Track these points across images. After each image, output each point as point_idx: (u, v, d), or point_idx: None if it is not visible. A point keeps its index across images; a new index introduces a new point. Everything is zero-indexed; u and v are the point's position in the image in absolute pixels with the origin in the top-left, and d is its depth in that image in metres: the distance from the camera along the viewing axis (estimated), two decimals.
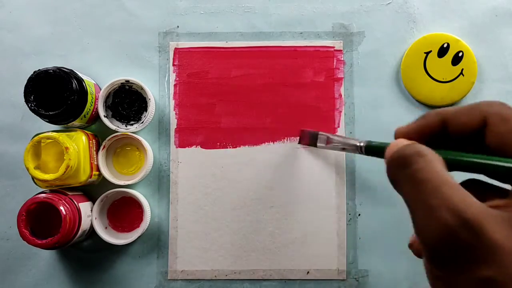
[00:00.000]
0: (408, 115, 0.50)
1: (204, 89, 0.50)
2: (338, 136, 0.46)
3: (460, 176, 0.23)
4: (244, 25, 0.51)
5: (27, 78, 0.43)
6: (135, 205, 0.49)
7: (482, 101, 0.22)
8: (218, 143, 0.50)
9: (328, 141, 0.46)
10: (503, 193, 0.21)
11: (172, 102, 0.50)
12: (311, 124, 0.50)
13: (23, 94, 0.43)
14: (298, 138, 0.50)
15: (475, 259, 0.18)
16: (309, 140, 0.48)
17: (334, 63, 0.50)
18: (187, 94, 0.50)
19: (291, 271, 0.49)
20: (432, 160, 0.20)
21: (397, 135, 0.24)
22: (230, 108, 0.50)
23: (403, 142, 0.23)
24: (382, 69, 0.51)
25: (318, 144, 0.47)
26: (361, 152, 0.36)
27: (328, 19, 0.51)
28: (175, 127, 0.50)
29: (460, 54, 0.49)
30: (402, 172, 0.21)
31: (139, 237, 0.47)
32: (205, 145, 0.50)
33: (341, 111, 0.50)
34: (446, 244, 0.18)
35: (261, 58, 0.51)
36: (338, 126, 0.50)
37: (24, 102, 0.43)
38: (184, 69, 0.51)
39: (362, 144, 0.36)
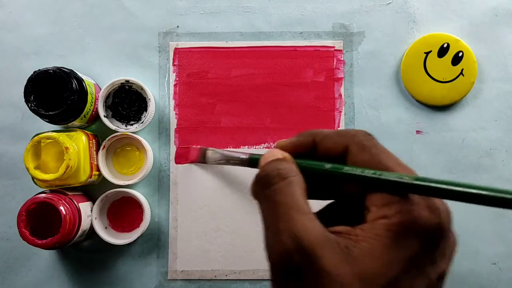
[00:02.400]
0: (408, 115, 0.50)
1: (204, 89, 0.50)
2: (225, 150, 0.46)
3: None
4: (244, 25, 0.51)
5: (27, 78, 0.43)
6: (135, 205, 0.49)
7: (350, 129, 0.24)
8: (218, 143, 0.50)
9: (216, 156, 0.46)
10: (358, 218, 0.22)
11: (172, 102, 0.50)
12: (311, 124, 0.50)
13: (23, 94, 0.43)
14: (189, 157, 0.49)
15: (306, 282, 0.19)
16: (198, 157, 0.48)
17: (334, 63, 0.50)
18: (187, 94, 0.50)
19: None
20: (291, 184, 0.21)
21: (276, 146, 0.26)
22: (230, 108, 0.50)
23: (276, 153, 0.24)
24: (382, 69, 0.51)
25: (208, 160, 0.47)
26: (246, 165, 0.36)
27: (328, 19, 0.51)
28: (175, 127, 0.50)
29: (460, 54, 0.49)
30: (261, 190, 0.22)
31: (139, 237, 0.47)
32: (205, 145, 0.50)
33: (341, 111, 0.50)
34: (284, 266, 0.20)
35: (261, 58, 0.51)
36: (338, 126, 0.50)
37: (24, 102, 0.43)
38: (184, 69, 0.51)
39: (246, 157, 0.36)
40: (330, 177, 0.23)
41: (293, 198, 0.21)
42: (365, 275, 0.18)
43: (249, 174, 0.49)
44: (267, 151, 0.25)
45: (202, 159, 0.48)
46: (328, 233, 0.20)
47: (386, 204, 0.20)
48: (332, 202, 0.26)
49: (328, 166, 0.23)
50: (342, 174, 0.22)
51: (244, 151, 0.38)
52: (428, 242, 0.20)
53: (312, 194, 0.23)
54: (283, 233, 0.20)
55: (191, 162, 0.50)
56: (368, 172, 0.21)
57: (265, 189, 0.22)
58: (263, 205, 0.22)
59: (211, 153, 0.47)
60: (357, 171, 0.22)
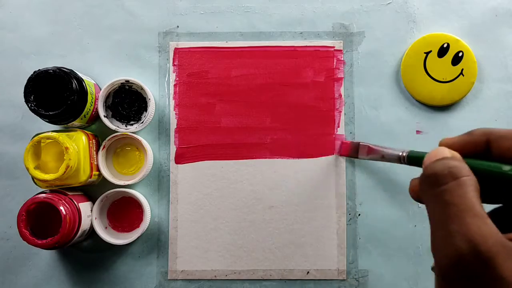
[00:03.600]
0: (408, 115, 0.50)
1: (204, 89, 0.50)
2: (379, 146, 0.46)
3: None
4: (244, 25, 0.51)
5: (27, 78, 0.43)
6: (135, 205, 0.49)
7: None
8: (218, 143, 0.50)
9: (369, 152, 0.46)
10: None
11: (172, 102, 0.50)
12: (311, 124, 0.50)
13: (23, 94, 0.43)
14: (337, 149, 0.50)
15: None
16: (350, 151, 0.48)
17: (334, 63, 0.50)
18: (187, 94, 0.50)
19: (291, 271, 0.49)
20: (464, 184, 0.20)
21: (441, 145, 0.24)
22: (230, 108, 0.50)
23: (444, 151, 0.23)
24: (382, 69, 0.51)
25: (360, 156, 0.47)
26: (403, 162, 0.35)
27: (328, 19, 0.51)
28: (175, 127, 0.50)
29: (460, 54, 0.49)
30: (430, 190, 0.21)
31: (139, 237, 0.47)
32: (206, 144, 0.50)
33: (341, 111, 0.50)
34: (456, 270, 0.19)
35: (261, 58, 0.51)
36: (338, 126, 0.50)
37: (24, 102, 0.43)
38: (184, 69, 0.51)
39: (404, 154, 0.35)
40: (507, 180, 0.21)
41: (466, 199, 0.20)
42: None
43: (250, 174, 0.49)
44: (433, 149, 0.23)
45: (354, 154, 0.48)
46: (506, 240, 0.19)
47: None
48: (501, 207, 0.24)
49: (507, 168, 0.21)
50: None
51: (399, 148, 0.38)
52: None
53: (481, 197, 0.22)
54: (456, 236, 0.19)
55: (341, 155, 0.49)
56: None
57: (433, 189, 0.21)
58: (431, 205, 0.21)
59: (364, 148, 0.46)
60: None
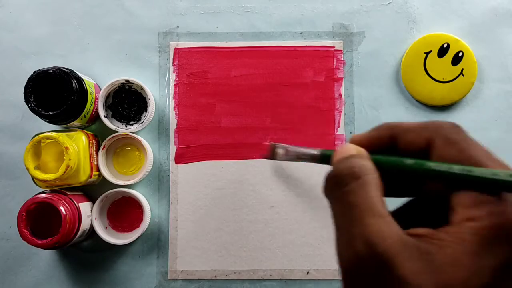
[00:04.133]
0: (408, 115, 0.50)
1: (204, 89, 0.50)
2: (294, 146, 0.45)
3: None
4: (244, 25, 0.51)
5: (27, 78, 0.43)
6: (135, 205, 0.49)
7: (435, 121, 0.22)
8: (218, 143, 0.50)
9: (286, 153, 0.45)
10: (441, 219, 0.20)
11: (172, 102, 0.50)
12: (311, 124, 0.50)
13: (23, 94, 0.43)
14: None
15: None
16: (269, 153, 0.48)
17: (334, 63, 0.50)
18: (187, 94, 0.50)
19: (291, 271, 0.49)
20: (365, 184, 0.20)
21: (350, 142, 0.24)
22: (230, 108, 0.50)
23: (349, 148, 0.22)
24: (382, 69, 0.51)
25: (277, 157, 0.47)
26: (317, 162, 0.35)
27: (328, 19, 0.51)
28: (175, 127, 0.50)
29: (460, 54, 0.49)
30: (333, 191, 0.21)
31: (139, 237, 0.47)
32: (206, 144, 0.50)
33: (341, 111, 0.50)
34: (356, 272, 0.18)
35: (261, 58, 0.51)
36: (338, 126, 0.50)
37: (24, 102, 0.43)
38: (184, 69, 0.51)
39: (317, 153, 0.35)
40: (411, 174, 0.21)
41: (367, 199, 0.19)
42: (449, 286, 0.17)
43: (250, 174, 0.49)
44: (340, 147, 0.23)
45: (271, 156, 0.47)
46: (407, 236, 0.18)
47: (475, 204, 0.18)
48: (411, 200, 0.24)
49: (409, 161, 0.21)
50: (426, 170, 0.20)
51: (315, 148, 0.37)
52: None
53: (390, 191, 0.21)
54: (355, 238, 0.18)
55: (263, 158, 0.48)
56: (456, 168, 0.19)
57: (336, 190, 0.20)
58: (334, 206, 0.21)
59: (280, 149, 0.46)
60: (443, 167, 0.20)
